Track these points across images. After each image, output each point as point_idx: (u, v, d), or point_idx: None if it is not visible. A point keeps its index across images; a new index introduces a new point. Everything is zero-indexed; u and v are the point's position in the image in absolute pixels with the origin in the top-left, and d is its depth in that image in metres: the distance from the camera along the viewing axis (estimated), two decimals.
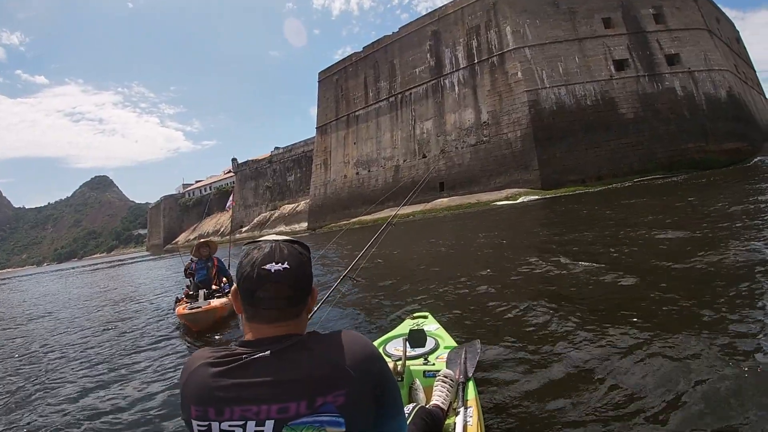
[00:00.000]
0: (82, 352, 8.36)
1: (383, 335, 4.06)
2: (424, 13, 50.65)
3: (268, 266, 1.33)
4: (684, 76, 36.76)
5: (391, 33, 52.30)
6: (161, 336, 8.72)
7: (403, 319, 4.72)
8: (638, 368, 3.94)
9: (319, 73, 61.66)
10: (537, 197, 32.79)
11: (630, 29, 38.55)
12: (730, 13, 56.29)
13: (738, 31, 57.20)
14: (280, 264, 1.33)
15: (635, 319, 5.19)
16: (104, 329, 10.28)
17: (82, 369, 7.15)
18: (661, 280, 6.62)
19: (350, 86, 56.26)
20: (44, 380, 6.75)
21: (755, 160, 32.84)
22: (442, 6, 47.12)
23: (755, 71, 57.80)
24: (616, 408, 3.42)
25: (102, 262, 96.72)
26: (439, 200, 40.94)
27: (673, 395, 3.39)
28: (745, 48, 57.37)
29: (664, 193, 21.62)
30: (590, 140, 35.24)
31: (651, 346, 4.30)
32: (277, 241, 1.42)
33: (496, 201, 34.94)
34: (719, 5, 51.11)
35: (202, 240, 9.59)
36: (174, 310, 9.36)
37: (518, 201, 32.96)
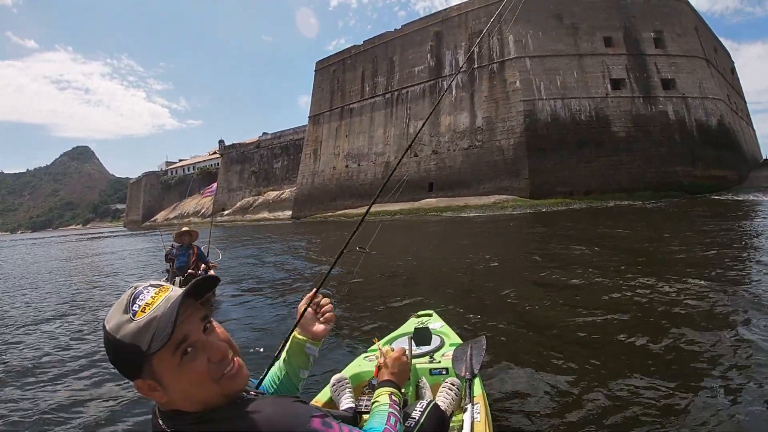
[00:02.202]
0: (48, 339, 8.43)
1: (388, 334, 4.09)
2: (422, 12, 51.45)
3: None
4: (678, 101, 37.38)
5: (393, 30, 52.52)
6: None
7: (408, 318, 4.67)
8: (638, 368, 4.13)
9: (317, 63, 61.65)
10: (525, 210, 33.16)
11: (630, 50, 39.11)
12: (725, 43, 57.05)
13: (733, 62, 58.23)
14: None
15: (634, 321, 5.50)
16: (75, 314, 10.40)
17: (41, 355, 7.09)
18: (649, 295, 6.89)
19: (347, 78, 56.26)
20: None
21: (729, 195, 32.57)
22: (447, 8, 47.58)
23: (745, 102, 58.85)
24: (620, 405, 3.59)
25: (77, 234, 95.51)
26: (427, 200, 41.22)
27: (675, 399, 3.58)
28: (738, 79, 58.36)
29: (643, 218, 21.96)
30: (582, 155, 35.69)
31: (649, 349, 4.53)
32: None
33: (483, 206, 35.39)
34: (717, 35, 52.03)
35: (184, 228, 9.72)
36: None
37: (500, 212, 33.30)
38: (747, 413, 3.37)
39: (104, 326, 1.17)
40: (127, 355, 1.15)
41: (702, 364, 4.24)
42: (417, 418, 2.15)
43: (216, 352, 1.23)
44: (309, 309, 1.95)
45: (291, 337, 1.96)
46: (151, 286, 1.23)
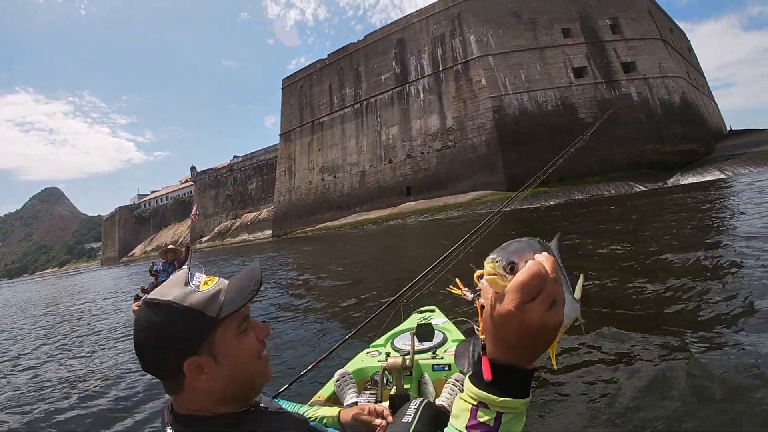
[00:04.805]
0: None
1: (391, 330, 4.01)
2: (378, 24, 51.84)
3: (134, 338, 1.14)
4: (639, 83, 38.35)
5: (356, 41, 53.12)
6: (114, 335, 9.66)
7: (411, 314, 4.52)
8: (638, 367, 4.11)
9: (283, 80, 62.08)
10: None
11: (588, 39, 40.09)
12: (680, 24, 58.48)
13: (689, 41, 59.67)
14: (136, 338, 1.12)
15: (632, 319, 5.44)
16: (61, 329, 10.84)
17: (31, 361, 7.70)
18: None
19: (315, 93, 56.69)
20: None
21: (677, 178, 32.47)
22: (408, 15, 48.22)
23: (705, 78, 60.29)
24: (620, 404, 3.57)
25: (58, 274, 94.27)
26: (406, 204, 41.64)
27: (666, 398, 3.57)
28: (695, 56, 59.82)
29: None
30: (552, 144, 36.23)
31: (648, 348, 4.47)
32: (144, 302, 1.17)
33: (462, 204, 35.93)
34: (672, 17, 53.42)
35: (170, 246, 10.02)
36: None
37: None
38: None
39: (158, 301, 1.13)
40: (192, 324, 1.12)
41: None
42: (411, 417, 1.97)
43: (262, 330, 1.24)
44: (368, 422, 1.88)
45: (338, 414, 1.91)
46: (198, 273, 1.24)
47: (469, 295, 1.00)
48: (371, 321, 3.51)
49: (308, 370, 3.09)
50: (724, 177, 28.61)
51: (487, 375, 0.85)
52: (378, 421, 1.86)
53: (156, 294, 1.13)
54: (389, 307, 3.69)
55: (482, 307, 0.89)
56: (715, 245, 8.43)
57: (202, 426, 1.12)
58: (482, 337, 0.89)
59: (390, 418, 1.92)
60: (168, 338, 1.10)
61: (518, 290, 0.79)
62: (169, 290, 1.14)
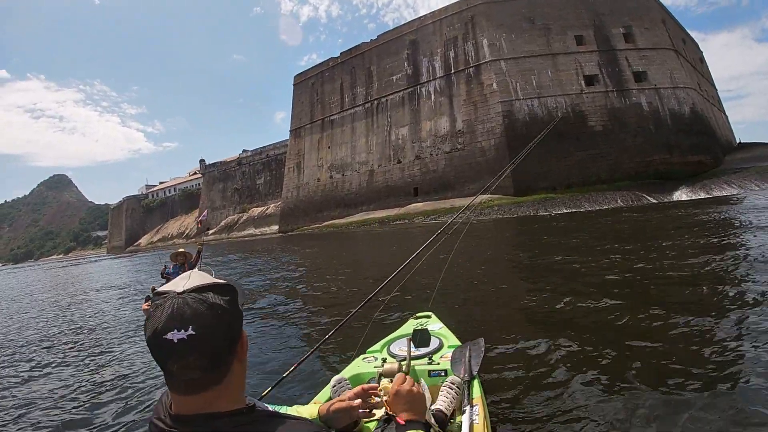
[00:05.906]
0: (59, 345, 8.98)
1: (387, 336, 4.05)
2: (391, 23, 51.65)
3: (169, 335, 1.05)
4: (650, 93, 38.39)
5: (369, 40, 53.38)
6: (124, 333, 9.68)
7: (407, 319, 4.60)
8: (636, 367, 4.25)
9: (295, 77, 62.33)
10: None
11: (601, 47, 40.14)
12: (693, 34, 58.25)
13: (701, 52, 59.66)
14: (183, 331, 1.04)
15: (632, 318, 5.60)
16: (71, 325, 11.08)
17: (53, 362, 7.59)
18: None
19: (326, 91, 56.98)
20: None
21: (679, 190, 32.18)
22: (421, 16, 48.42)
23: (716, 89, 60.19)
24: (617, 405, 3.65)
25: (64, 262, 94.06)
26: (414, 205, 41.81)
27: (668, 397, 3.67)
28: (707, 67, 59.77)
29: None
30: (561, 150, 36.32)
31: (648, 348, 4.63)
32: (183, 293, 1.10)
33: (469, 206, 35.95)
34: (685, 27, 53.38)
35: (180, 249, 10.25)
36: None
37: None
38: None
39: (219, 282, 1.17)
40: (241, 302, 1.19)
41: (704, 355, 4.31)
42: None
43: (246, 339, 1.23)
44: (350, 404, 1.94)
45: (318, 411, 1.93)
46: None
47: (381, 398, 1.88)
48: (348, 321, 3.53)
49: (289, 373, 3.15)
50: (732, 193, 28.57)
51: (401, 422, 1.66)
52: (357, 401, 1.92)
53: (197, 282, 1.14)
54: (365, 310, 3.73)
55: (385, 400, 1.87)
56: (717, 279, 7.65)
57: (217, 423, 1.09)
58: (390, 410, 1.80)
59: (378, 392, 2.00)
60: (236, 313, 1.15)
61: (397, 380, 1.81)
62: (206, 276, 1.17)
